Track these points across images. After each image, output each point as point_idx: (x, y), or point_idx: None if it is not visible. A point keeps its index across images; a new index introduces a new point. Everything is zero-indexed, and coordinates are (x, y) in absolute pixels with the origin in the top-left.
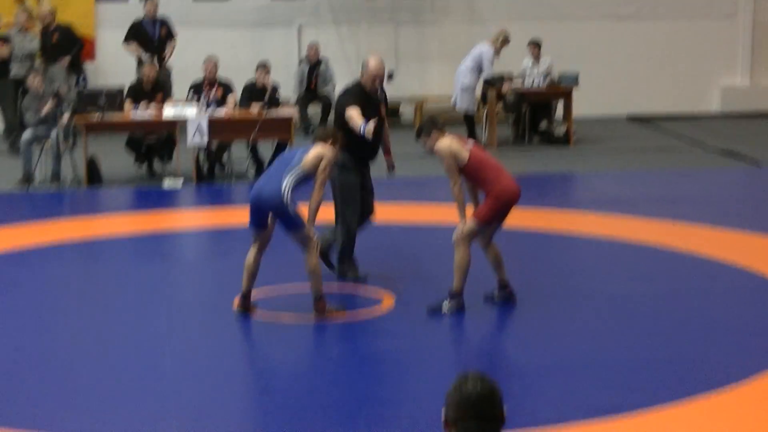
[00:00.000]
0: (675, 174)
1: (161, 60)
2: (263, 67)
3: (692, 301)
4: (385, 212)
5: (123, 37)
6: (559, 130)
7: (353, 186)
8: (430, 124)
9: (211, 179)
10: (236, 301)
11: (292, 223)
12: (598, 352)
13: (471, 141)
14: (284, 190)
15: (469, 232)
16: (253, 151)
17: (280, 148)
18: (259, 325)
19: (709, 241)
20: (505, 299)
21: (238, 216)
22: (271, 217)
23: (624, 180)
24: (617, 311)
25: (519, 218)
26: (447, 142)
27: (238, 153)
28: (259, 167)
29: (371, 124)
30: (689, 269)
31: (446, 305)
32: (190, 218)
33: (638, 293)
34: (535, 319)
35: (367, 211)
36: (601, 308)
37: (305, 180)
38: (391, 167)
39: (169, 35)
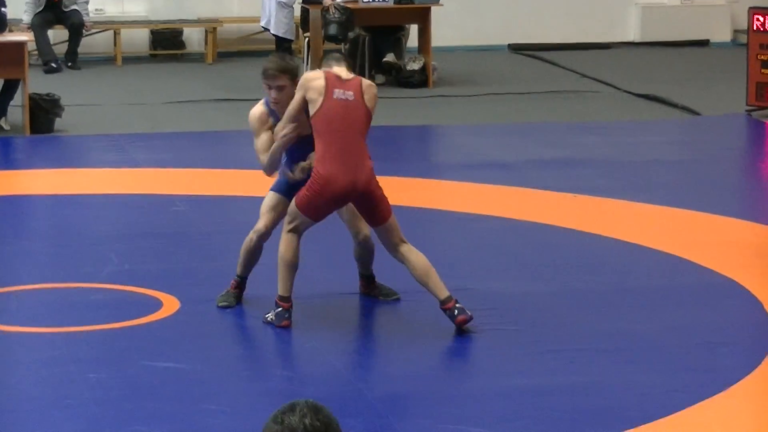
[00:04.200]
0: (575, 128)
1: None
2: None
3: (601, 303)
4: (171, 179)
5: None
6: (413, 65)
7: None
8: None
9: None
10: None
11: None
12: (464, 376)
13: (354, 80)
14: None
15: (289, 218)
16: None
17: (8, 90)
18: None
19: (626, 221)
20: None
21: None
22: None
23: (504, 136)
24: (497, 317)
25: None
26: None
27: None
28: None
29: None
30: (599, 258)
31: (270, 314)
32: None
33: (522, 291)
34: (389, 332)
35: None
36: (475, 314)
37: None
38: None
39: None
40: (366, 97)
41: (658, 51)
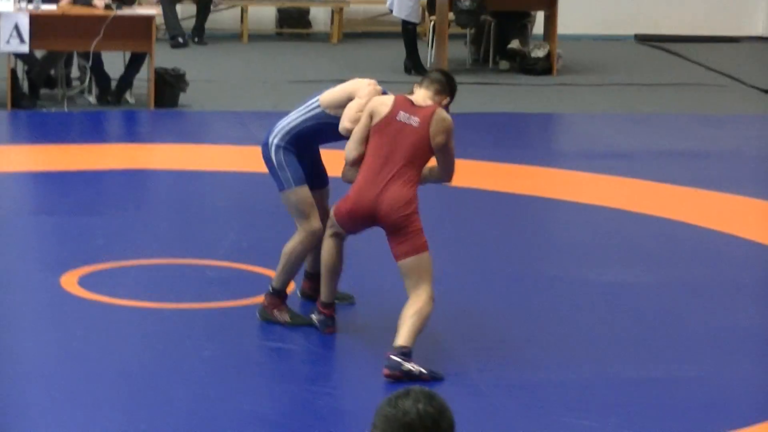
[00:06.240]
0: (699, 120)
1: None
2: None
3: (715, 297)
4: None
5: None
6: (538, 52)
7: None
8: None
9: (33, 103)
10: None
11: (275, 179)
12: (573, 365)
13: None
14: (277, 129)
15: (330, 221)
16: (96, 66)
17: (135, 63)
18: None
19: (745, 217)
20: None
21: (75, 156)
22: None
23: (626, 126)
24: (609, 307)
25: (481, 177)
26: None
27: (75, 66)
28: (104, 89)
29: None
30: (716, 253)
31: (315, 316)
32: (4, 159)
33: (641, 284)
34: (500, 318)
35: None
36: (588, 302)
37: (321, 125)
38: None
39: None
40: (432, 128)
41: None
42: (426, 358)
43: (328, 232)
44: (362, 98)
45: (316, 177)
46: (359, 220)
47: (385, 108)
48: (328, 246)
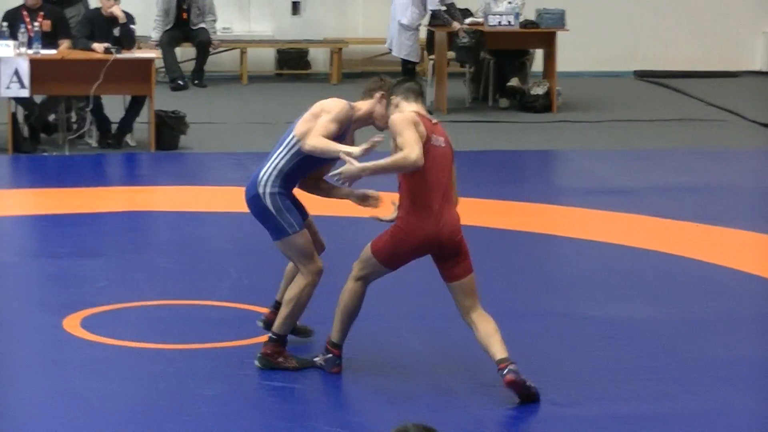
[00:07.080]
0: (699, 155)
1: None
2: None
3: (717, 331)
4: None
5: None
6: (537, 90)
7: None
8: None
9: (33, 147)
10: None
11: (273, 227)
12: (576, 401)
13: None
14: (262, 177)
15: (361, 265)
16: (96, 110)
17: (135, 106)
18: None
19: (746, 251)
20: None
21: (76, 199)
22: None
23: (627, 162)
24: (611, 342)
25: (480, 213)
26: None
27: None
28: (105, 132)
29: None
30: (717, 287)
31: (319, 358)
32: (5, 203)
33: (643, 318)
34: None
35: None
36: (589, 338)
37: (306, 158)
38: None
39: None
40: (450, 142)
41: None
42: (428, 395)
43: (357, 274)
44: (330, 112)
45: (299, 211)
46: (419, 251)
47: (422, 128)
48: (353, 288)
